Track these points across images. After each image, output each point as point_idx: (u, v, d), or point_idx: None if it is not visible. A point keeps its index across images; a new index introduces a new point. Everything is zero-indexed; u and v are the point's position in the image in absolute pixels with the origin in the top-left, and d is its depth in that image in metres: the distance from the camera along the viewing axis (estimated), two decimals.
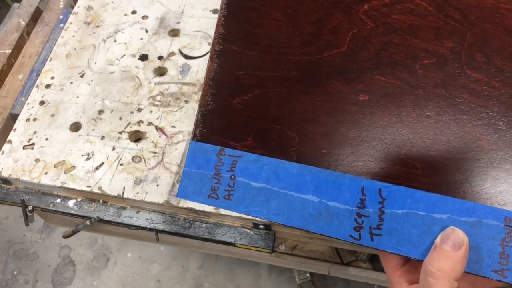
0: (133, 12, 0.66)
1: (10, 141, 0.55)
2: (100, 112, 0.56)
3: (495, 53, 0.33)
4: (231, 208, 0.35)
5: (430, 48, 0.34)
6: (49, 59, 0.62)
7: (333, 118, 0.35)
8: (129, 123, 0.55)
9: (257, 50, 0.37)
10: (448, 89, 0.34)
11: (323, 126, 0.35)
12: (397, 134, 0.34)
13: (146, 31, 0.64)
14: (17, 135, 0.55)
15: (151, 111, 0.56)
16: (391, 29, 0.35)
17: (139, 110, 0.56)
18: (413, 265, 0.34)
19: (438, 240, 0.31)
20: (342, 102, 0.35)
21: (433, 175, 0.33)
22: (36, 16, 0.69)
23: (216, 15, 0.64)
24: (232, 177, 0.35)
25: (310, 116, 0.35)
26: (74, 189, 0.51)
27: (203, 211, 0.49)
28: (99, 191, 0.50)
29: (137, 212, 0.52)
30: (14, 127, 0.56)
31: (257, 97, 0.36)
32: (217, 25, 0.37)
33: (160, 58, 0.61)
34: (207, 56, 0.61)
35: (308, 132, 0.35)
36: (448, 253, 0.30)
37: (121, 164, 0.52)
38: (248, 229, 0.50)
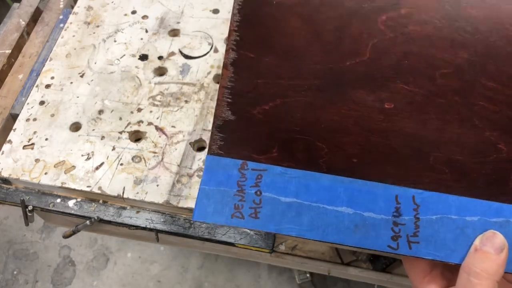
0: (133, 12, 0.66)
1: (10, 141, 0.55)
2: (100, 112, 0.56)
3: (504, 64, 0.35)
4: (259, 227, 0.32)
5: (447, 58, 0.35)
6: (49, 59, 0.62)
7: (361, 127, 0.34)
8: (129, 123, 0.55)
9: (275, 57, 0.35)
10: (467, 97, 0.35)
11: (351, 135, 0.34)
12: (424, 141, 0.34)
13: (146, 31, 0.64)
14: (17, 135, 0.55)
15: (151, 111, 0.56)
16: (409, 39, 0.36)
17: (139, 110, 0.56)
18: (441, 270, 0.34)
19: (477, 242, 0.31)
20: (369, 111, 0.34)
21: (461, 179, 0.33)
22: (36, 16, 0.69)
23: (217, 15, 0.64)
24: (258, 192, 0.33)
25: (337, 125, 0.34)
26: (74, 189, 0.51)
27: None
28: (99, 191, 0.50)
29: (137, 212, 0.52)
30: (14, 127, 0.56)
31: (279, 107, 0.34)
32: (230, 30, 0.36)
33: (160, 58, 0.61)
34: (207, 56, 0.61)
35: (337, 142, 0.34)
36: (491, 256, 0.30)
37: (121, 164, 0.52)
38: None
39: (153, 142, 0.54)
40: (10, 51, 0.65)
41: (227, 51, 0.36)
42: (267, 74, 0.35)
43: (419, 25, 0.36)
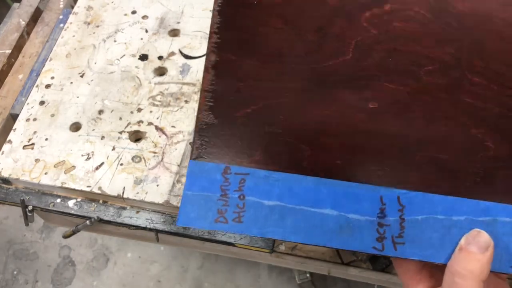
0: (133, 12, 0.66)
1: (10, 141, 0.55)
2: (100, 112, 0.56)
3: (491, 58, 0.34)
4: (243, 231, 0.32)
5: (432, 55, 0.34)
6: (49, 59, 0.62)
7: (345, 128, 0.34)
8: (129, 123, 0.55)
9: (257, 59, 0.34)
10: (453, 94, 0.34)
11: (335, 137, 0.33)
12: (409, 140, 0.34)
13: (146, 31, 0.64)
14: (17, 135, 0.55)
15: (151, 111, 0.56)
16: (394, 37, 0.35)
17: (139, 110, 0.56)
18: (430, 270, 0.34)
19: (463, 242, 0.31)
20: (352, 111, 0.34)
21: (447, 178, 0.33)
22: (36, 16, 0.69)
23: None
24: (241, 197, 0.32)
25: (320, 127, 0.34)
26: (74, 189, 0.51)
27: None
28: (99, 191, 0.50)
29: (137, 212, 0.52)
30: (14, 127, 0.56)
31: (261, 109, 0.34)
32: (210, 33, 0.35)
33: (160, 58, 0.61)
34: None
35: (320, 144, 0.33)
36: (476, 255, 0.30)
37: (121, 164, 0.52)
38: None
39: (153, 142, 0.54)
40: (10, 51, 0.65)
41: (207, 54, 0.35)
42: (249, 76, 0.34)
43: (404, 21, 0.35)
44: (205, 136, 0.33)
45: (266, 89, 0.34)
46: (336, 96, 0.34)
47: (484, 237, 0.30)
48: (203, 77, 0.34)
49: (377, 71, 0.34)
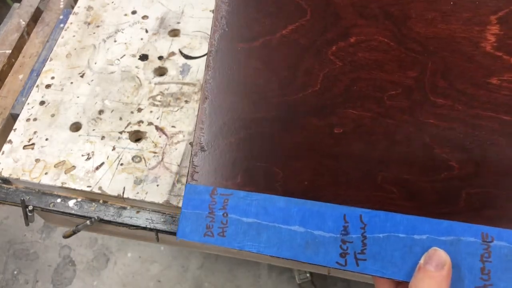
0: (133, 12, 0.66)
1: (10, 141, 0.55)
2: (100, 112, 0.56)
3: (456, 79, 0.35)
4: (226, 244, 0.36)
5: (395, 80, 0.36)
6: (49, 59, 0.62)
7: (313, 152, 0.37)
8: (129, 123, 0.55)
9: (239, 95, 0.39)
10: (415, 116, 0.35)
11: (304, 160, 0.37)
12: (372, 161, 0.35)
13: (146, 31, 0.64)
14: (17, 135, 0.55)
15: (151, 111, 0.56)
16: (358, 66, 0.37)
17: (139, 110, 0.56)
18: (406, 286, 0.34)
19: (421, 261, 0.31)
20: (320, 137, 0.37)
21: (409, 197, 0.34)
22: (36, 16, 0.69)
23: None
24: (225, 214, 0.37)
25: (292, 152, 0.37)
26: (74, 189, 0.51)
27: None
28: (99, 191, 0.50)
29: (137, 212, 0.52)
30: (14, 127, 0.56)
31: (243, 139, 0.39)
32: (205, 76, 0.40)
33: (160, 58, 0.61)
34: None
35: (291, 167, 0.37)
36: (432, 273, 0.30)
37: (121, 164, 0.52)
38: None
39: (153, 142, 0.54)
40: (10, 51, 0.65)
41: (201, 99, 0.40)
42: (233, 111, 0.39)
43: (368, 51, 0.37)
44: (197, 163, 0.39)
45: (247, 121, 0.39)
46: (305, 123, 0.38)
47: (440, 255, 0.31)
48: (197, 115, 0.40)
49: (342, 99, 0.37)
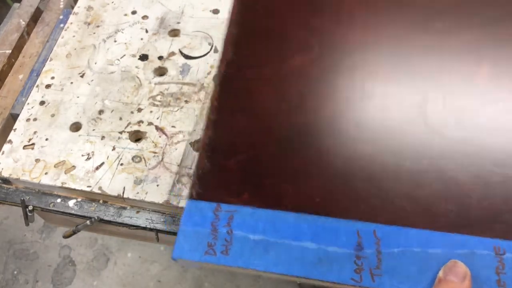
0: (133, 12, 0.66)
1: (10, 141, 0.55)
2: (100, 112, 0.56)
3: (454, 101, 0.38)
4: (229, 263, 0.34)
5: (405, 107, 0.39)
6: (49, 59, 0.62)
7: (324, 172, 0.37)
8: (129, 123, 0.55)
9: (248, 118, 0.41)
10: (421, 143, 0.37)
11: (315, 179, 0.37)
12: (384, 179, 0.36)
13: (146, 31, 0.64)
14: (17, 135, 0.55)
15: (151, 111, 0.56)
16: (366, 96, 0.39)
17: (139, 110, 0.56)
18: None
19: (441, 274, 0.31)
20: (333, 156, 0.38)
21: (422, 213, 0.35)
22: (36, 16, 0.69)
23: (217, 16, 0.64)
24: (229, 231, 0.35)
25: (301, 170, 0.37)
26: (74, 189, 0.51)
27: None
28: (99, 191, 0.50)
29: (137, 212, 0.52)
30: (14, 127, 0.56)
31: (251, 157, 0.39)
32: (212, 99, 0.42)
33: (160, 58, 0.61)
34: (207, 56, 0.61)
35: (301, 184, 0.37)
36: (455, 284, 0.30)
37: (121, 164, 0.52)
38: None
39: (153, 142, 0.54)
40: (10, 51, 0.65)
41: (208, 115, 0.41)
42: (242, 131, 0.40)
43: (374, 82, 0.40)
44: (201, 180, 0.38)
45: (255, 141, 0.40)
46: (317, 144, 0.38)
47: (461, 267, 0.31)
48: (204, 133, 0.40)
49: (353, 123, 0.39)
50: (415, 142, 0.37)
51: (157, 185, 0.50)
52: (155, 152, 0.53)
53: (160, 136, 0.54)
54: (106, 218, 0.52)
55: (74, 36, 0.64)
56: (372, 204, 0.35)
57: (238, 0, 0.46)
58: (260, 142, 0.39)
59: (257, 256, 0.34)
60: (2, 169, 0.53)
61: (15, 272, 1.18)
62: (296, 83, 0.41)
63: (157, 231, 0.51)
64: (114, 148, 0.53)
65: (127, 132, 0.55)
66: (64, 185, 0.51)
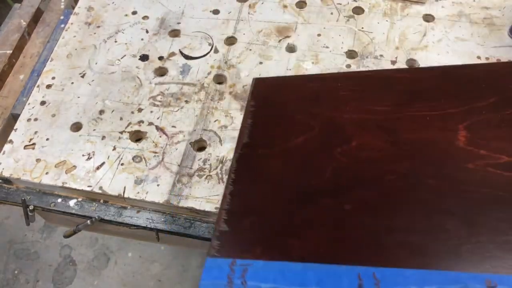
0: (134, 13, 0.66)
1: (11, 141, 0.55)
2: (101, 112, 0.57)
3: (442, 166, 0.44)
4: None
5: (391, 169, 0.45)
6: (50, 59, 0.62)
7: (326, 226, 0.42)
8: (129, 123, 0.55)
9: (260, 187, 0.47)
10: (413, 192, 0.43)
11: (318, 232, 0.42)
12: (379, 229, 0.41)
13: (147, 31, 0.64)
14: (18, 135, 0.55)
15: (151, 111, 0.56)
16: (360, 161, 0.46)
17: (140, 110, 0.56)
18: None
19: None
20: (332, 213, 0.43)
21: (416, 255, 0.39)
22: (37, 17, 0.70)
23: (217, 16, 0.65)
24: (243, 282, 0.40)
25: (306, 225, 0.43)
26: (75, 189, 0.51)
27: (204, 211, 0.50)
28: (100, 191, 0.51)
29: (138, 211, 0.52)
30: (15, 127, 0.56)
31: (262, 218, 0.44)
32: (229, 173, 0.49)
33: (160, 58, 0.61)
34: (208, 56, 0.61)
35: (307, 237, 0.42)
36: None
37: (122, 164, 0.52)
38: None
39: (153, 142, 0.54)
40: (11, 51, 0.65)
41: (226, 186, 0.47)
42: (254, 197, 0.46)
43: (367, 151, 0.47)
44: (219, 240, 0.43)
45: (266, 204, 0.45)
46: (319, 202, 0.44)
47: None
48: (222, 199, 0.47)
49: (350, 184, 0.45)
50: (400, 198, 0.43)
51: (158, 185, 0.50)
52: (155, 152, 0.53)
53: (160, 136, 0.54)
54: (106, 217, 0.52)
55: (74, 37, 0.64)
56: (371, 251, 0.40)
57: (254, 95, 0.55)
58: (269, 205, 0.45)
59: None
60: (3, 169, 0.53)
61: (16, 272, 1.18)
62: (299, 155, 0.49)
63: (158, 230, 0.51)
64: (114, 148, 0.54)
65: (128, 132, 0.55)
66: (65, 185, 0.51)
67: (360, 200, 0.44)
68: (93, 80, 0.59)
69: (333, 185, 0.45)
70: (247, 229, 0.44)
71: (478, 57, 0.59)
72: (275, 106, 0.55)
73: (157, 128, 0.55)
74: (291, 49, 0.62)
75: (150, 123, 0.55)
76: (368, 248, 0.40)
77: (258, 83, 0.57)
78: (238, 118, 0.56)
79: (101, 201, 0.53)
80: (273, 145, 0.50)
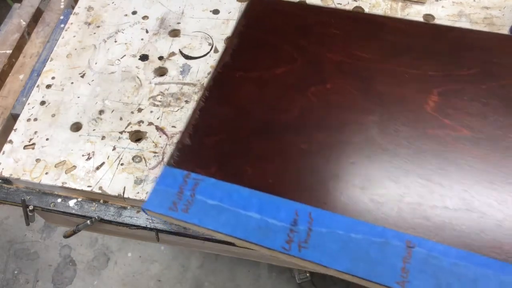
0: (134, 13, 0.66)
1: (11, 141, 0.55)
2: (101, 112, 0.57)
3: (402, 126, 0.46)
4: (186, 219, 0.42)
5: (358, 120, 0.47)
6: (49, 59, 0.62)
7: (281, 160, 0.45)
8: (129, 123, 0.55)
9: (231, 108, 0.49)
10: (366, 149, 0.45)
11: (273, 164, 0.45)
12: (326, 172, 0.44)
13: (147, 31, 0.64)
14: (18, 135, 0.55)
15: (151, 111, 0.56)
16: (329, 104, 0.48)
17: (140, 110, 0.56)
18: None
19: None
20: (290, 149, 0.46)
21: (350, 202, 0.42)
22: (36, 17, 0.70)
23: (217, 16, 0.65)
24: (192, 195, 0.43)
25: (263, 155, 0.45)
26: (74, 189, 0.51)
27: None
28: (100, 191, 0.51)
29: (138, 211, 0.52)
30: (15, 127, 0.56)
31: (224, 140, 0.47)
32: (204, 89, 0.50)
33: (160, 58, 0.61)
34: (208, 56, 0.61)
35: (260, 167, 0.45)
36: None
37: (122, 164, 0.52)
38: None
39: (153, 142, 0.54)
40: (11, 51, 0.65)
41: (198, 101, 0.49)
42: (222, 118, 0.48)
43: (339, 95, 0.49)
44: (179, 152, 0.46)
45: (232, 127, 0.47)
46: (280, 137, 0.46)
47: None
48: (192, 114, 0.48)
49: (313, 125, 0.47)
50: (358, 148, 0.45)
51: None
52: (155, 152, 0.53)
53: (160, 136, 0.54)
54: (106, 218, 0.52)
55: (74, 36, 0.64)
56: (315, 192, 0.43)
57: (247, 16, 0.55)
58: (235, 129, 0.47)
59: (210, 218, 0.41)
60: (3, 169, 0.53)
61: (16, 272, 1.18)
62: (274, 86, 0.50)
63: (157, 230, 0.51)
64: (114, 148, 0.54)
65: (128, 132, 0.55)
66: (65, 185, 0.51)
67: (318, 143, 0.46)
68: (93, 80, 0.59)
69: (298, 123, 0.47)
70: (208, 147, 0.46)
71: None
72: (265, 30, 0.55)
73: (157, 128, 0.55)
74: None
75: (150, 123, 0.55)
76: (311, 190, 0.43)
77: (254, 2, 0.56)
78: None
79: (101, 201, 0.53)
80: (252, 71, 0.51)
